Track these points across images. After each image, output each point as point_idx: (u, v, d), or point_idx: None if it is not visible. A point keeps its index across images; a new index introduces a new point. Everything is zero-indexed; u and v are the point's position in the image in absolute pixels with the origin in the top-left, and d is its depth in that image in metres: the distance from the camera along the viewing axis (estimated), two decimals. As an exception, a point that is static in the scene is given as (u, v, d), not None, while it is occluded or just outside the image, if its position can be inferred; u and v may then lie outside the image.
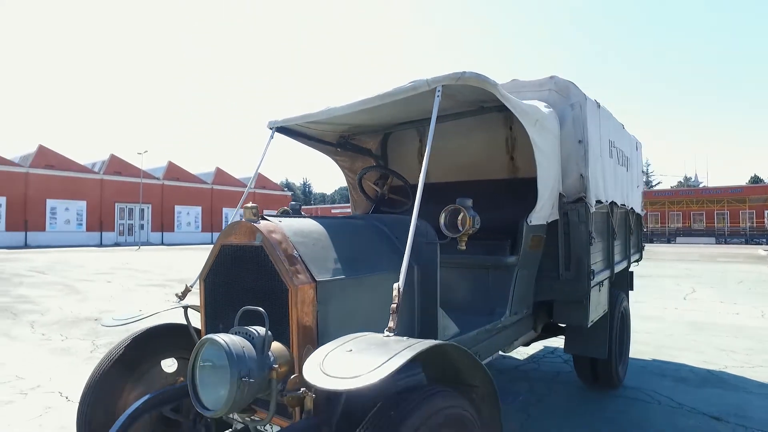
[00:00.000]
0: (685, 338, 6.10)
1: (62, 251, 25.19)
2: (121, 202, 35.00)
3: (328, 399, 1.83)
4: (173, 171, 39.06)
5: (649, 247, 33.08)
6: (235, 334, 1.65)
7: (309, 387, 1.70)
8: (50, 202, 30.77)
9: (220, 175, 42.15)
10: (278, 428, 1.84)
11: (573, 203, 3.30)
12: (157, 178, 37.67)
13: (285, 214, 2.65)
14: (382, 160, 4.25)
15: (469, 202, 2.51)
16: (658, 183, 74.12)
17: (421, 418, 1.52)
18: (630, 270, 5.47)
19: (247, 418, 1.69)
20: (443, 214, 2.51)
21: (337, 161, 3.99)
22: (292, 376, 1.65)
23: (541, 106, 3.31)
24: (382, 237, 2.54)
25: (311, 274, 1.91)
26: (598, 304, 3.60)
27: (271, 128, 3.16)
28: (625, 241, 4.71)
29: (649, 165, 79.20)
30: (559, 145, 3.30)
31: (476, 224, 2.47)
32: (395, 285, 1.85)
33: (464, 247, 2.51)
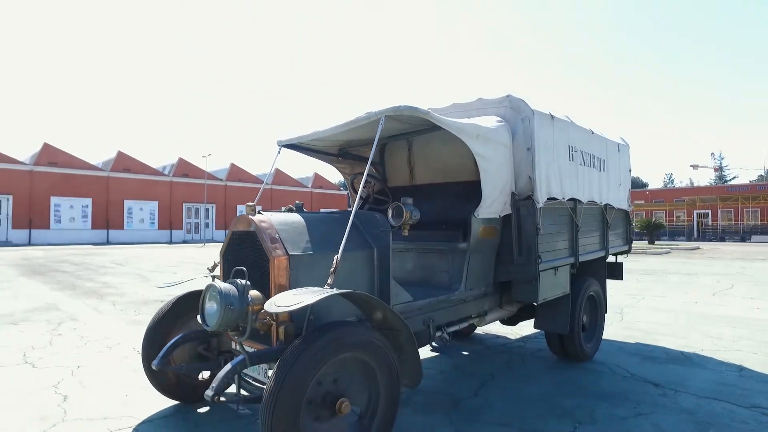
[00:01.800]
0: (682, 327, 6.47)
1: (137, 247, 27.99)
2: (189, 203, 38.00)
3: (296, 333, 2.73)
4: (235, 173, 41.75)
5: (715, 246, 31.48)
6: (229, 283, 2.60)
7: (273, 318, 2.62)
8: (127, 203, 34.10)
9: (278, 176, 44.47)
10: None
11: (524, 200, 4.01)
12: (221, 180, 40.45)
13: (290, 210, 3.58)
14: (380, 166, 5.11)
15: (410, 200, 3.35)
16: (734, 178, 69.32)
17: (336, 335, 2.40)
18: (619, 261, 5.98)
19: (235, 337, 2.63)
20: (390, 210, 3.35)
21: (338, 168, 4.89)
22: (262, 311, 2.57)
23: (494, 120, 4.06)
24: (352, 227, 3.41)
25: (286, 250, 2.82)
26: (553, 285, 4.27)
27: (279, 145, 4.11)
28: (600, 234, 5.27)
29: (722, 158, 74.24)
30: (510, 153, 4.01)
31: (414, 217, 3.29)
32: (335, 256, 2.72)
33: (407, 233, 3.35)
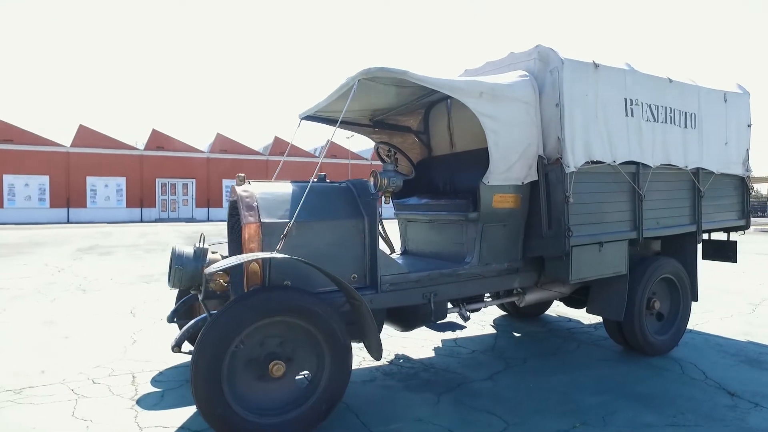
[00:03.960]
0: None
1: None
2: (334, 182, 40.78)
3: None
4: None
5: None
6: (192, 247, 2.82)
7: (225, 280, 2.77)
8: (283, 184, 38.23)
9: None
10: None
11: (552, 165, 3.49)
12: (366, 159, 42.59)
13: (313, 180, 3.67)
14: (424, 135, 4.87)
15: (390, 167, 3.16)
16: None
17: (259, 299, 2.47)
18: (732, 240, 4.87)
19: (195, 293, 2.86)
20: (371, 177, 3.21)
21: (374, 139, 4.79)
22: (217, 271, 2.75)
23: (516, 75, 3.57)
24: (347, 195, 3.37)
25: (259, 217, 2.93)
26: (598, 263, 3.66)
27: (300, 118, 4.20)
28: (690, 205, 4.30)
29: None
30: (535, 111, 3.51)
31: (392, 184, 3.10)
32: (290, 223, 2.75)
33: (388, 202, 3.18)
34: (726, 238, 4.93)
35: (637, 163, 3.85)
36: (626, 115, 3.77)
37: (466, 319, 3.70)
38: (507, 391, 3.33)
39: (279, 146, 38.53)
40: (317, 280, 2.94)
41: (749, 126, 4.71)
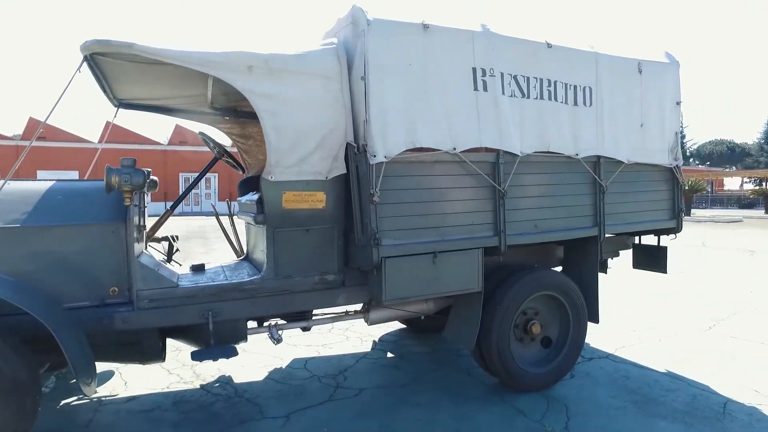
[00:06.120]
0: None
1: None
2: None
3: None
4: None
5: None
6: None
7: None
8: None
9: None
10: None
11: (361, 154, 2.78)
12: (227, 146, 41.43)
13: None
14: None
15: (128, 161, 2.56)
16: None
17: None
18: (662, 246, 3.97)
19: None
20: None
21: (222, 129, 4.18)
22: None
23: (318, 44, 2.90)
24: (104, 197, 2.80)
25: None
26: (430, 278, 2.90)
27: (115, 106, 3.65)
28: (591, 203, 3.44)
29: None
30: (339, 87, 2.80)
31: (125, 182, 2.50)
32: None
33: (128, 203, 2.58)
34: (657, 243, 4.00)
35: (496, 151, 3.06)
36: (476, 89, 2.98)
37: (278, 341, 3.06)
38: (288, 435, 2.67)
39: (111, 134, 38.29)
40: (69, 292, 2.51)
41: (678, 104, 3.75)
